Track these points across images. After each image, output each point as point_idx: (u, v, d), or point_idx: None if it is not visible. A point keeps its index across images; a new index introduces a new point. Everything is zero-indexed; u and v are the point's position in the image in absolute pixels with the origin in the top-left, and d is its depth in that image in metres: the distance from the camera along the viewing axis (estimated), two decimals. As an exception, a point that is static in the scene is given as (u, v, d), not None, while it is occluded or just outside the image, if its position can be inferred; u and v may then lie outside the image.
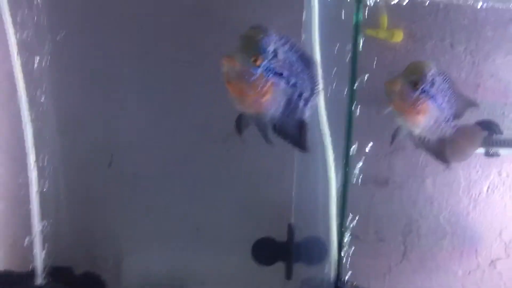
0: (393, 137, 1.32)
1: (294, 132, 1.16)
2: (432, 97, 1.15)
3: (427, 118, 1.17)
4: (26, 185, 1.62)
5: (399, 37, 1.78)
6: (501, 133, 1.66)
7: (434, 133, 1.22)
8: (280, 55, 1.06)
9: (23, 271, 1.64)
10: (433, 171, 1.90)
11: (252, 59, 1.02)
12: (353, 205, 1.72)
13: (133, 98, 1.77)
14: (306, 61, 1.12)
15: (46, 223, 1.62)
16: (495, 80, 1.83)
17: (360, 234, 1.84)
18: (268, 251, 1.78)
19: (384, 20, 1.73)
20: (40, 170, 1.58)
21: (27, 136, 1.48)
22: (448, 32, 1.81)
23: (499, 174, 1.87)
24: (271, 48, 1.04)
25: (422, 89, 1.13)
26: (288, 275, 1.77)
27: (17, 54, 1.47)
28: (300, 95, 1.12)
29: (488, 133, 1.67)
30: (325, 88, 1.60)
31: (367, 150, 1.73)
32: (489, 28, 1.79)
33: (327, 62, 1.58)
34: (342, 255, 1.74)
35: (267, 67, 1.06)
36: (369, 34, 1.69)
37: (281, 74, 1.08)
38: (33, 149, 1.49)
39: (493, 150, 1.65)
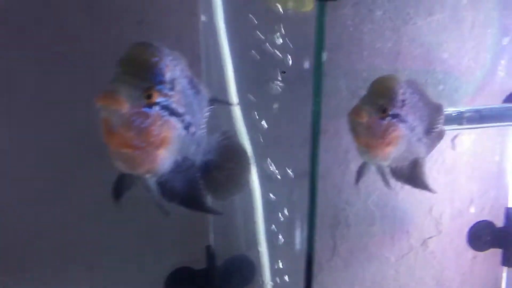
0: (359, 174, 1.09)
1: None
2: (403, 120, 0.92)
3: (398, 146, 0.94)
4: None
5: (310, 5, 1.52)
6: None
7: (407, 159, 1.00)
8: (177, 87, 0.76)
9: None
10: (357, 154, 1.73)
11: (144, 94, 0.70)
12: (274, 204, 1.56)
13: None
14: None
15: None
16: (416, 45, 1.67)
17: (284, 235, 1.64)
18: (185, 283, 1.50)
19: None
20: None
21: None
22: (363, -6, 1.60)
23: (426, 148, 1.76)
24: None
25: (392, 114, 0.88)
26: (214, 306, 1.53)
27: None
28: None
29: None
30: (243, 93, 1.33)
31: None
32: (408, -13, 1.61)
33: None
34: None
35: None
36: (278, 3, 1.43)
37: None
38: None
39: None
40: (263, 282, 1.58)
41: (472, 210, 1.85)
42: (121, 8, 1.39)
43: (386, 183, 1.06)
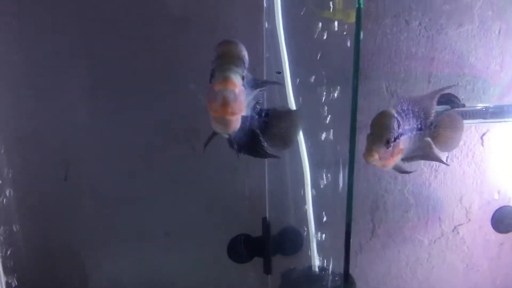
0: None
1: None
2: (403, 133, 1.22)
3: (405, 151, 1.25)
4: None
5: (354, 17, 1.81)
6: (463, 105, 1.77)
7: (415, 150, 1.30)
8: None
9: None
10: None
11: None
12: (320, 189, 1.78)
13: (86, 102, 1.71)
14: None
15: (4, 249, 1.53)
16: (448, 52, 1.93)
17: (329, 217, 1.89)
18: (244, 248, 1.80)
19: (340, 0, 1.75)
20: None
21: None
22: (401, 8, 1.88)
23: (457, 143, 2.00)
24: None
25: (394, 138, 1.19)
26: (267, 270, 1.82)
27: None
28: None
29: (450, 106, 1.77)
30: (294, 79, 1.62)
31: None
32: (441, 2, 1.88)
33: (293, 50, 1.61)
34: (316, 242, 1.80)
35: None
36: (326, 16, 1.71)
37: None
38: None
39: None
40: (310, 251, 1.84)
41: (498, 199, 2.07)
42: (196, 17, 1.72)
43: (406, 172, 1.35)
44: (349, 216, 1.52)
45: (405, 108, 1.26)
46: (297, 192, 1.81)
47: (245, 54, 1.06)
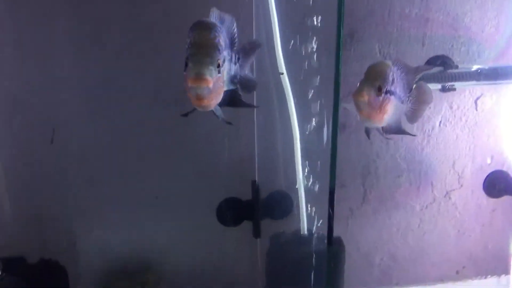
0: (367, 134, 1.37)
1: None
2: (394, 93, 1.19)
3: (390, 113, 1.22)
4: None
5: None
6: (456, 67, 1.74)
7: (396, 120, 1.28)
8: None
9: (-31, 269, 1.55)
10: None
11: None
12: (311, 153, 1.77)
13: (74, 63, 1.68)
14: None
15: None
16: (443, 14, 1.89)
17: (320, 181, 1.88)
18: (234, 211, 1.80)
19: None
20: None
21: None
22: (396, -32, 1.83)
23: (451, 107, 1.98)
24: None
25: (385, 90, 1.16)
26: (256, 233, 1.82)
27: None
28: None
29: (443, 68, 1.74)
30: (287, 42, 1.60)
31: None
32: (436, -39, 1.83)
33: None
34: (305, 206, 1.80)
35: None
36: None
37: None
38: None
39: (449, 85, 1.74)
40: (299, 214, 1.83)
41: (491, 164, 2.05)
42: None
43: (384, 137, 1.34)
44: (332, 178, 1.50)
45: (398, 71, 1.23)
46: (287, 155, 1.79)
47: (220, 39, 1.01)
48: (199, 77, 0.95)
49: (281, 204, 1.81)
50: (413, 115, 1.35)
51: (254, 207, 1.80)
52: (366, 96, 1.14)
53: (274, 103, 1.74)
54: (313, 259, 1.70)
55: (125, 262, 1.92)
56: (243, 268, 1.99)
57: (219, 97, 1.06)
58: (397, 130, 1.34)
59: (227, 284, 2.01)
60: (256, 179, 1.81)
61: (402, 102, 1.28)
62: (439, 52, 1.88)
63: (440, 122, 2.01)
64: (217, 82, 0.99)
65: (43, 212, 1.77)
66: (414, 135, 1.47)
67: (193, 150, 1.81)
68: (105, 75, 1.68)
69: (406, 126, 1.38)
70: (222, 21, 1.09)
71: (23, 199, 1.68)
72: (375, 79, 1.17)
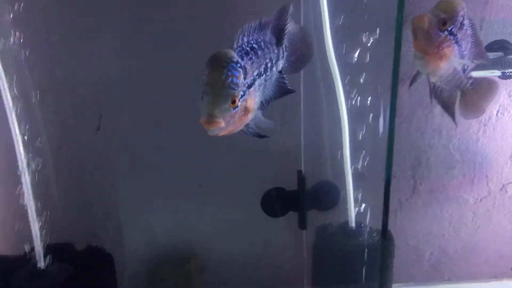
0: (412, 82, 1.27)
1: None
2: (458, 42, 1.09)
3: (447, 65, 1.12)
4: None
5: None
6: (518, 52, 1.64)
7: (450, 83, 1.17)
8: None
9: (19, 254, 1.58)
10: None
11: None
12: (359, 144, 1.71)
13: (120, 52, 1.68)
14: None
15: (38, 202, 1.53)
16: (504, -4, 1.78)
17: (367, 172, 1.82)
18: (279, 201, 1.76)
19: None
20: (26, 144, 1.48)
21: (8, 108, 1.36)
22: None
23: (509, 95, 1.88)
24: None
25: (450, 30, 1.06)
26: (302, 224, 1.78)
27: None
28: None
29: (503, 53, 1.64)
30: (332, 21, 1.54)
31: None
32: None
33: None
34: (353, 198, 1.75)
35: None
36: None
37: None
38: (15, 121, 1.38)
39: (509, 71, 1.63)
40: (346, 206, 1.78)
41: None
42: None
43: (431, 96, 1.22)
44: (389, 168, 1.44)
45: (470, 23, 1.13)
46: (334, 145, 1.74)
47: (235, 77, 0.97)
48: (210, 120, 0.95)
49: (327, 195, 1.77)
50: (471, 108, 1.25)
51: (300, 197, 1.75)
52: (427, 23, 1.04)
53: (322, 91, 1.68)
54: (361, 252, 1.64)
55: (169, 250, 1.93)
56: (287, 259, 1.97)
57: (240, 124, 1.04)
58: (446, 101, 1.23)
59: (271, 275, 1.99)
60: (302, 169, 1.76)
61: (464, 70, 1.17)
62: (499, 37, 1.77)
63: (498, 111, 1.91)
64: (231, 118, 0.97)
65: (91, 200, 1.79)
66: (455, 123, 1.35)
67: (239, 139, 1.77)
68: (152, 63, 1.67)
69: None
70: (261, 27, 1.06)
71: (70, 186, 1.70)
72: (443, 10, 1.07)
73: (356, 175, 1.76)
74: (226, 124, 0.96)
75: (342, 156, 1.72)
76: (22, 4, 1.49)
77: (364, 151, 1.72)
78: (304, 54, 1.22)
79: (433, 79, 1.19)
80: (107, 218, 1.83)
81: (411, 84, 1.24)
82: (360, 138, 1.70)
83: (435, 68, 1.12)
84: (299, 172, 1.76)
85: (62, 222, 1.65)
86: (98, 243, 1.74)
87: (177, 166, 1.84)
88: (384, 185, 1.46)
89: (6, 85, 1.38)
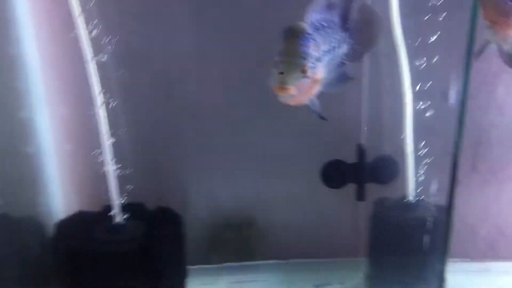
0: (479, 51, 1.28)
1: None
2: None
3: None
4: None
5: None
6: None
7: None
8: None
9: (97, 211, 1.71)
10: (506, 79, 1.86)
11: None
12: (421, 119, 1.74)
13: (188, 23, 1.77)
14: None
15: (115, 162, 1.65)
16: None
17: (428, 147, 1.83)
18: (338, 173, 1.82)
19: None
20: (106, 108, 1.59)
21: (91, 73, 1.48)
22: None
23: None
24: None
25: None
26: (360, 196, 1.83)
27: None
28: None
29: None
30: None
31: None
32: None
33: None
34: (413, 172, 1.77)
35: None
36: None
37: None
38: (99, 86, 1.49)
39: None
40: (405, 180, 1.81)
41: None
42: None
43: (509, 64, 1.23)
44: (458, 144, 1.45)
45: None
46: (396, 119, 1.76)
47: (307, 47, 1.06)
48: (281, 86, 1.03)
49: (387, 168, 1.80)
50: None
51: (359, 169, 1.80)
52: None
53: (385, 64, 1.70)
54: (419, 226, 1.68)
55: (230, 215, 2.03)
56: (343, 230, 2.02)
57: (308, 96, 1.12)
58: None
59: (326, 244, 2.05)
60: (362, 142, 1.80)
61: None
62: None
63: None
64: (301, 86, 1.05)
65: (159, 164, 1.89)
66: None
67: (299, 110, 1.83)
68: (222, 37, 1.75)
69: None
70: (330, 8, 1.11)
71: (143, 150, 1.80)
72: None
73: (417, 151, 1.78)
74: (296, 92, 1.03)
75: (403, 130, 1.74)
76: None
77: (426, 128, 1.74)
78: (368, 44, 1.27)
79: (506, 47, 1.20)
80: (174, 182, 1.94)
81: (478, 55, 1.26)
82: (423, 113, 1.72)
83: (507, 36, 1.13)
84: (359, 145, 1.80)
85: (134, 183, 1.76)
86: (164, 205, 1.84)
87: (240, 136, 1.91)
88: (451, 161, 1.47)
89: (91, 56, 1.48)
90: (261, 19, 1.75)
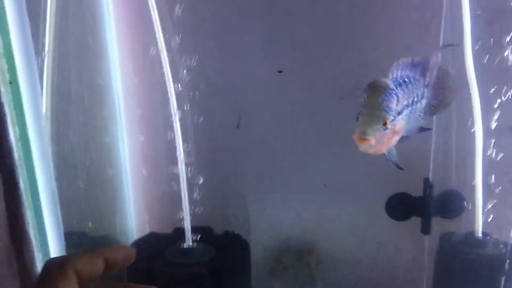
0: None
1: None
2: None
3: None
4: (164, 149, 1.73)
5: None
6: None
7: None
8: None
9: (169, 233, 1.79)
10: None
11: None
12: (490, 156, 1.73)
13: (261, 58, 1.84)
14: None
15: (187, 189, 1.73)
16: None
17: (497, 185, 1.81)
18: (403, 206, 1.82)
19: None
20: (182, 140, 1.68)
21: (172, 99, 1.58)
22: None
23: None
24: None
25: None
26: (425, 230, 1.82)
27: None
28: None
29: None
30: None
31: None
32: None
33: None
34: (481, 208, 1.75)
35: None
36: None
37: None
38: (176, 109, 1.59)
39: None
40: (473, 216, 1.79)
41: None
42: None
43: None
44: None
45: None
46: (464, 157, 1.76)
47: (390, 102, 1.09)
48: (362, 137, 1.07)
49: (453, 203, 1.79)
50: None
51: (425, 203, 1.80)
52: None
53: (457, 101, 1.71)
54: (487, 263, 1.66)
55: (291, 241, 2.07)
56: (405, 261, 2.01)
57: (387, 146, 1.15)
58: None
59: (387, 277, 2.05)
60: (430, 176, 1.80)
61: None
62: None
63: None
64: (381, 138, 1.09)
65: (226, 190, 1.96)
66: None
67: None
68: (288, 68, 1.80)
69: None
70: (413, 65, 1.15)
71: (212, 176, 1.87)
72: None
73: (485, 186, 1.77)
74: (375, 143, 1.08)
75: (470, 166, 1.74)
76: (181, 9, 1.70)
77: (495, 164, 1.73)
78: (445, 100, 1.32)
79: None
80: (238, 208, 2.00)
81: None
82: (492, 151, 1.71)
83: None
84: (426, 179, 1.81)
85: (203, 208, 1.84)
86: (229, 229, 1.91)
87: (305, 165, 1.96)
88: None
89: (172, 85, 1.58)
90: (331, 54, 1.80)
